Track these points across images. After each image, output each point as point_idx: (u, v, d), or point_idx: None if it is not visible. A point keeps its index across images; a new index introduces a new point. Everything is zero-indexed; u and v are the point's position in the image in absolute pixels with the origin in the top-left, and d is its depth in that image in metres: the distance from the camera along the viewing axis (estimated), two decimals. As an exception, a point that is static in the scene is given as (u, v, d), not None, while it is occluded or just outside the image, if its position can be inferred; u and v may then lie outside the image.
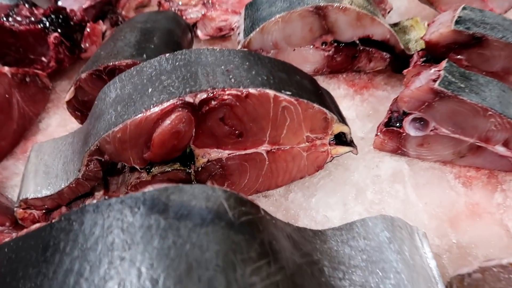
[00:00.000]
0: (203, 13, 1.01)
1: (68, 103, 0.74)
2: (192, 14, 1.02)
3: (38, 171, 0.62)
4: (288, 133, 0.59)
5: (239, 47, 0.80)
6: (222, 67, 0.56)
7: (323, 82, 0.87)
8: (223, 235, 0.36)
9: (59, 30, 0.85)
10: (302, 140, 0.61)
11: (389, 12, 0.97)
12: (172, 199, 0.37)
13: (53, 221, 0.39)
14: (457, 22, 0.68)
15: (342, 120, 0.62)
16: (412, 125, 0.65)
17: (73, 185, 0.58)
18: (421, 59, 0.75)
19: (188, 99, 0.51)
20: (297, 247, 0.44)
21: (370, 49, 0.83)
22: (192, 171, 0.60)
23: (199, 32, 1.01)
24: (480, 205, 0.62)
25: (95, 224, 0.36)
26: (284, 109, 0.56)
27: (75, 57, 0.91)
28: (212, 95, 0.52)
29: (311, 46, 0.83)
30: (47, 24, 0.84)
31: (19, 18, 0.83)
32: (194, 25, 1.01)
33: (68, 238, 0.37)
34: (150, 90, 0.53)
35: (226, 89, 0.52)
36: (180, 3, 1.03)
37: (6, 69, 0.76)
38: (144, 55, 0.70)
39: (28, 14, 0.84)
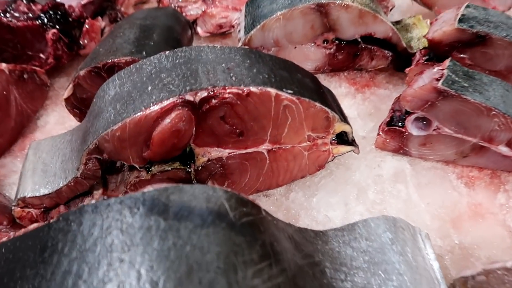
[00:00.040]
0: (203, 9, 1.00)
1: (67, 100, 0.73)
2: (192, 10, 1.01)
3: (36, 169, 0.61)
4: (289, 132, 0.58)
5: (240, 44, 0.80)
6: (223, 65, 0.55)
7: (324, 80, 0.86)
8: (224, 237, 0.35)
9: (57, 26, 0.85)
10: (304, 139, 0.61)
11: (391, 9, 0.97)
12: (172, 199, 0.37)
13: (51, 221, 0.38)
14: (460, 20, 0.67)
15: (344, 119, 0.62)
16: (415, 125, 0.65)
17: (72, 184, 0.57)
18: (424, 58, 0.74)
19: (189, 97, 0.51)
20: (299, 248, 0.44)
21: (372, 47, 0.83)
22: (192, 170, 0.59)
23: (199, 29, 1.00)
24: (483, 205, 0.62)
25: (94, 224, 0.36)
26: (285, 107, 0.55)
27: (74, 53, 0.90)
28: (212, 93, 0.51)
29: (313, 44, 0.82)
30: (45, 20, 0.83)
31: (17, 14, 0.82)
32: (194, 22, 1.00)
33: (66, 239, 0.36)
34: (149, 88, 0.53)
35: (227, 88, 0.52)
36: (180, -1, 1.02)
37: (3, 65, 0.75)
38: (144, 52, 0.69)
39: (26, 10, 0.83)
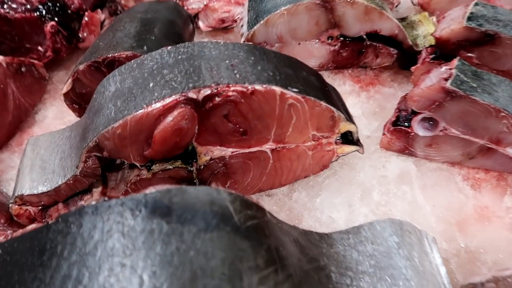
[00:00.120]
0: (205, 3, 0.98)
1: (66, 95, 0.71)
2: (194, 4, 0.99)
3: (34, 166, 0.60)
4: (293, 131, 0.57)
5: (242, 39, 0.78)
6: (227, 61, 0.54)
7: (328, 77, 0.85)
8: (229, 241, 0.34)
9: (56, 19, 0.83)
10: (308, 139, 0.59)
11: (396, 6, 0.95)
12: (175, 201, 0.36)
13: (49, 222, 0.37)
14: (469, 19, 0.65)
15: (349, 118, 0.60)
16: (421, 125, 0.63)
17: (71, 182, 0.56)
18: (430, 56, 0.73)
19: (191, 95, 0.49)
20: (304, 251, 0.43)
21: (377, 45, 0.81)
22: (194, 169, 0.58)
23: (200, 23, 0.98)
24: (489, 208, 0.61)
25: (94, 227, 0.35)
26: (290, 106, 0.54)
27: (73, 46, 0.89)
28: (216, 91, 0.50)
29: (317, 40, 0.81)
30: (44, 12, 0.81)
31: (14, 6, 0.80)
32: (196, 15, 0.99)
33: (65, 242, 0.35)
34: (151, 84, 0.51)
35: (230, 85, 0.50)
36: (181, -8, 1.00)
37: (1, 58, 0.73)
38: (145, 47, 0.68)
39: (24, 1, 0.81)
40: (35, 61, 0.82)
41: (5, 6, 0.79)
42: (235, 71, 0.52)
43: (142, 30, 0.73)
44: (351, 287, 0.42)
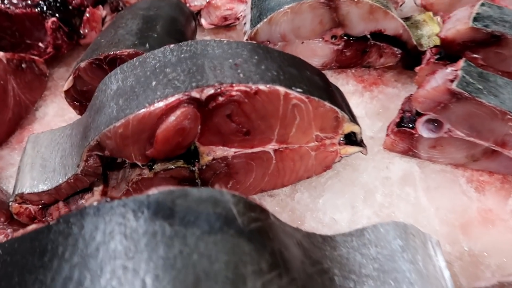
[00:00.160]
0: (207, 0, 0.97)
1: (67, 92, 0.71)
2: (196, 1, 0.98)
3: (34, 164, 0.59)
4: (297, 132, 0.57)
5: (245, 38, 0.77)
6: (230, 60, 0.53)
7: (331, 77, 0.84)
8: (233, 244, 0.33)
9: (57, 15, 0.82)
10: (311, 139, 0.59)
11: (401, 5, 0.94)
12: (178, 203, 0.35)
13: (50, 222, 0.37)
14: (475, 19, 0.65)
15: (353, 119, 0.60)
16: (426, 126, 0.63)
17: (72, 180, 0.55)
18: (435, 56, 0.72)
19: (194, 94, 0.49)
20: (307, 254, 0.42)
21: (381, 44, 0.81)
22: (196, 169, 0.57)
23: (203, 21, 0.97)
24: (493, 211, 0.60)
25: (96, 228, 0.34)
26: (294, 107, 0.53)
27: (74, 43, 0.88)
28: (219, 90, 0.49)
29: (320, 39, 0.80)
30: (45, 8, 0.81)
31: (15, 1, 0.79)
32: (198, 13, 0.98)
33: (67, 243, 0.34)
34: (154, 83, 0.50)
35: (234, 85, 0.50)
36: (184, -11, 0.99)
37: (1, 54, 0.72)
38: (147, 45, 0.67)
39: (24, -4, 0.80)
40: (36, 57, 0.81)
41: (6, 1, 0.79)
42: (239, 70, 0.51)
43: (144, 27, 0.73)
44: (354, 291, 0.42)
